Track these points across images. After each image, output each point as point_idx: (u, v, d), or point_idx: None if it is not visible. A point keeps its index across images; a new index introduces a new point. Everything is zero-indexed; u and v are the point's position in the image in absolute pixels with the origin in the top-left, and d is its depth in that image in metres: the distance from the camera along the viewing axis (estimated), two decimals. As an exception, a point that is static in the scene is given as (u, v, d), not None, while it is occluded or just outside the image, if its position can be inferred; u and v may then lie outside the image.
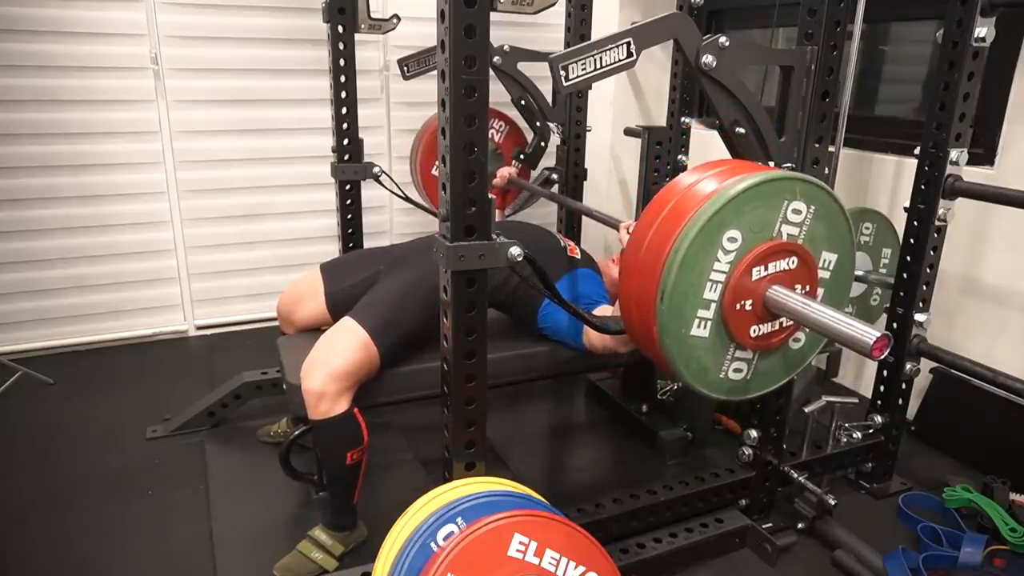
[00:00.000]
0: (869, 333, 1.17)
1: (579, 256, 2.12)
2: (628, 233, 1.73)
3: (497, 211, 2.67)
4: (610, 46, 1.30)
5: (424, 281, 1.79)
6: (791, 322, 1.38)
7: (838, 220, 1.39)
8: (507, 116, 2.95)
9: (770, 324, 1.36)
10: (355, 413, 1.67)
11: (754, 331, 1.35)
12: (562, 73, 1.27)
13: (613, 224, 2.04)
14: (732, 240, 1.27)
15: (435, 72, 1.26)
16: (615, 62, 1.31)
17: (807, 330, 1.43)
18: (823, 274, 1.40)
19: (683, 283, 1.26)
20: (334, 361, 1.64)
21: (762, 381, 1.44)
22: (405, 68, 2.69)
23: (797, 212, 1.33)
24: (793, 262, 1.34)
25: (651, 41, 1.36)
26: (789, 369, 1.48)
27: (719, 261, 1.28)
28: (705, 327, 1.31)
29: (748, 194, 1.26)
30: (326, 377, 1.62)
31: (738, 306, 1.31)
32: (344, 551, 1.75)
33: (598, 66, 1.30)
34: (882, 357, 1.19)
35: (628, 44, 1.32)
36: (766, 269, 1.31)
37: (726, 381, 1.39)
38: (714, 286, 1.29)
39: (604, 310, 1.98)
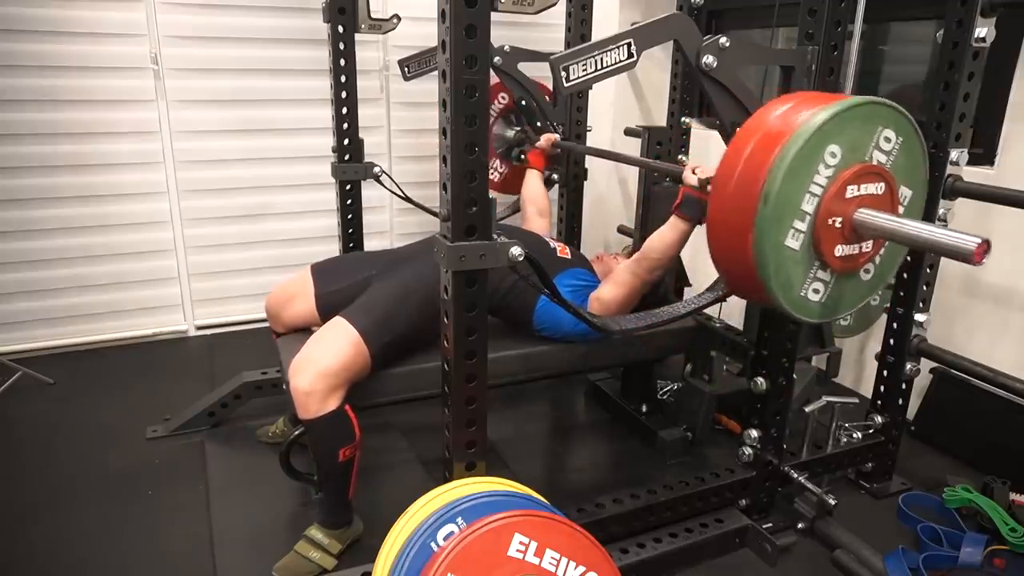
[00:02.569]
0: (969, 240, 1.18)
1: (569, 256, 2.14)
2: (694, 173, 1.74)
3: (537, 173, 2.62)
4: (611, 47, 1.30)
5: (419, 284, 1.79)
6: (870, 248, 1.40)
7: (918, 156, 1.42)
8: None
9: (853, 247, 1.39)
10: (346, 410, 1.67)
11: (839, 251, 1.37)
12: (563, 74, 1.28)
13: (673, 173, 1.99)
14: (833, 155, 1.30)
15: (436, 73, 1.26)
16: (616, 63, 1.32)
17: (878, 259, 1.46)
18: (899, 209, 1.42)
19: (787, 189, 1.28)
20: (323, 359, 1.63)
21: (832, 307, 1.46)
22: (406, 69, 2.69)
23: (888, 140, 1.36)
24: (881, 188, 1.36)
25: (652, 42, 1.36)
26: (855, 300, 1.49)
27: (819, 174, 1.30)
28: (797, 239, 1.33)
29: (856, 111, 1.30)
30: (314, 376, 1.61)
31: (830, 222, 1.33)
32: (342, 548, 1.75)
33: (599, 67, 1.31)
34: (982, 263, 1.18)
35: (629, 45, 1.32)
36: (859, 189, 1.34)
37: (802, 302, 1.40)
38: (811, 199, 1.31)
39: (600, 288, 1.99)
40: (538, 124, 2.80)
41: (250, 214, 3.08)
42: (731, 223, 1.36)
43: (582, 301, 1.95)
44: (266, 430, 2.27)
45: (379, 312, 1.75)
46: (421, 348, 1.81)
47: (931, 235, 1.26)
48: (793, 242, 1.33)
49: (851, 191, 1.33)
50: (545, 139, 2.65)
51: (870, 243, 1.40)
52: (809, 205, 1.31)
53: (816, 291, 1.41)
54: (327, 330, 1.71)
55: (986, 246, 1.16)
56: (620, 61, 1.33)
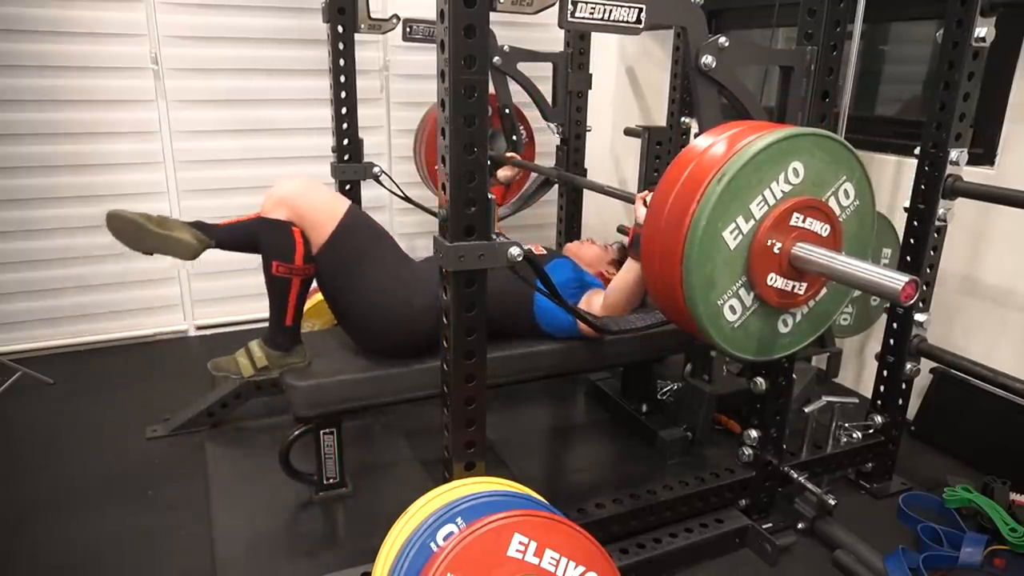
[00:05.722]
0: (897, 279, 1.17)
1: (544, 252, 2.15)
2: (645, 204, 1.72)
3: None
4: (623, 5, 1.31)
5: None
6: (800, 293, 1.37)
7: (868, 229, 1.42)
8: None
9: (784, 281, 1.35)
10: (293, 230, 1.78)
11: (770, 279, 1.33)
12: (571, 7, 1.27)
13: (626, 198, 2.03)
14: (795, 173, 1.29)
15: (435, 65, 1.26)
16: (621, 21, 1.32)
17: (800, 316, 1.43)
18: None
19: (746, 176, 1.25)
20: (306, 189, 1.80)
21: (739, 340, 1.39)
22: (408, 29, 2.64)
23: (847, 195, 1.37)
24: (826, 230, 1.35)
25: (660, 18, 1.38)
26: (763, 350, 1.43)
27: (778, 183, 1.29)
28: (735, 238, 1.29)
29: (828, 142, 1.31)
30: (295, 188, 1.79)
31: (769, 242, 1.30)
32: (268, 367, 1.83)
33: (604, 17, 1.31)
34: (910, 303, 1.17)
35: (639, 11, 1.33)
36: (804, 221, 1.32)
37: (716, 312, 1.34)
38: (763, 204, 1.29)
39: (596, 294, 1.99)
40: (512, 138, 2.80)
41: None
42: (683, 190, 1.30)
43: (570, 297, 1.95)
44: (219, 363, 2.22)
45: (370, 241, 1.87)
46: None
47: (860, 272, 1.23)
48: (730, 238, 1.28)
49: (797, 218, 1.31)
50: (506, 167, 2.64)
51: (802, 288, 1.36)
52: (758, 209, 1.29)
53: (733, 309, 1.35)
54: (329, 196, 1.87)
55: (914, 286, 1.16)
56: (626, 22, 1.33)
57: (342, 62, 2.38)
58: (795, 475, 1.88)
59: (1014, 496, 1.91)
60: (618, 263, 2.31)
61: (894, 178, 2.43)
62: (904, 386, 2.00)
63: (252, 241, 1.82)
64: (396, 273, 1.85)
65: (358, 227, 1.85)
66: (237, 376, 1.85)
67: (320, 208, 1.81)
